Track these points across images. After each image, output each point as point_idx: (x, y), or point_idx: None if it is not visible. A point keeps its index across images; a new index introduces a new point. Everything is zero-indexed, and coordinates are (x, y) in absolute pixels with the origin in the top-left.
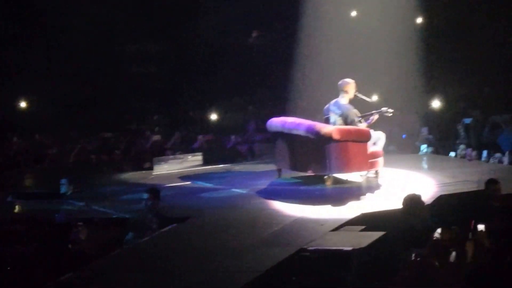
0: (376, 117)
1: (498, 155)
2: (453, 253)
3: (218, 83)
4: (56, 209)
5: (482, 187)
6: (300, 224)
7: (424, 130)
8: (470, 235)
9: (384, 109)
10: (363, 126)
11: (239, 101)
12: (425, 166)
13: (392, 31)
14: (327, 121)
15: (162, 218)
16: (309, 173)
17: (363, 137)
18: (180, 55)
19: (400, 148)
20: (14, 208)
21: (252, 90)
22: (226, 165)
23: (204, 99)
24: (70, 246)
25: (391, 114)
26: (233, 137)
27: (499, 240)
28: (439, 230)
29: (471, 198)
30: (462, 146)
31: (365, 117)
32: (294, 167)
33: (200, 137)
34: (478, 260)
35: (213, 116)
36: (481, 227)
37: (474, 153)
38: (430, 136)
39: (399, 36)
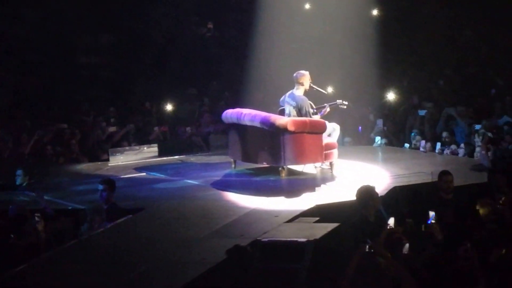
0: (328, 109)
1: (453, 147)
2: (406, 245)
3: (173, 74)
4: (10, 200)
5: (436, 179)
6: (254, 215)
7: (379, 122)
8: (423, 227)
9: (339, 101)
10: (316, 118)
11: (194, 92)
12: (379, 158)
13: (347, 23)
14: (282, 112)
15: (117, 209)
16: (264, 164)
17: (318, 129)
18: (134, 46)
19: (355, 140)
20: None
21: (207, 82)
22: (181, 156)
23: (159, 90)
24: (16, 238)
25: (346, 107)
26: (188, 128)
27: (450, 233)
28: (392, 222)
29: (424, 190)
30: (417, 137)
31: (320, 109)
32: (248, 159)
33: (155, 128)
34: (430, 253)
35: (169, 107)
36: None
37: (428, 145)
38: (385, 128)
39: (354, 28)
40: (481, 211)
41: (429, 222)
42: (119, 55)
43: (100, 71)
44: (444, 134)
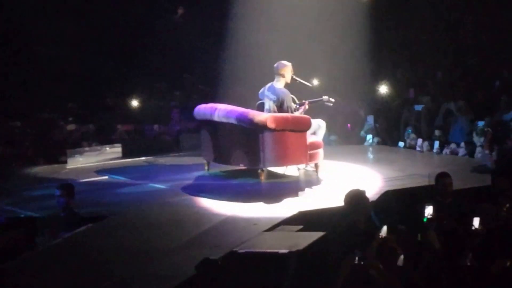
0: (306, 107)
1: (452, 146)
2: (401, 256)
3: (139, 66)
4: None
5: (433, 181)
6: (231, 223)
7: (370, 119)
8: (419, 236)
9: (325, 97)
10: (298, 114)
11: (163, 86)
12: (370, 158)
13: (336, 10)
14: (261, 107)
15: (76, 217)
16: (241, 166)
17: (302, 126)
18: (96, 34)
19: (343, 138)
20: None
21: (179, 74)
22: (148, 157)
23: (124, 84)
24: None
25: (332, 104)
26: (156, 126)
27: (449, 242)
28: (384, 230)
29: (420, 194)
30: (412, 136)
31: (303, 104)
32: (224, 160)
33: (119, 126)
34: (427, 263)
35: (134, 103)
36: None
37: (425, 144)
38: (377, 125)
39: (342, 15)
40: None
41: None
42: (79, 44)
43: (58, 62)
44: (437, 132)
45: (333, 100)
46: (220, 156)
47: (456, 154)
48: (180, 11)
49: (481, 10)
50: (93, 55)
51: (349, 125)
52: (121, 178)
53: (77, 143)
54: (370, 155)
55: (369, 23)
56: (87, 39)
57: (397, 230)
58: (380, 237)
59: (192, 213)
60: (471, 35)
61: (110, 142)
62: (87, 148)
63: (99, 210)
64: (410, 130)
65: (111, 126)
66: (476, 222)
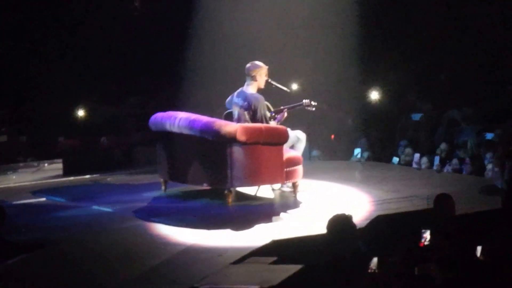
0: (285, 115)
1: (455, 162)
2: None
3: (86, 68)
4: None
5: (433, 205)
6: (191, 254)
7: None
8: (416, 269)
9: (305, 101)
10: (273, 124)
11: (114, 91)
12: (358, 176)
13: (320, 3)
14: (229, 118)
15: (8, 246)
16: (205, 186)
17: (278, 138)
18: (33, 30)
19: (327, 153)
20: None
21: (133, 76)
22: (95, 175)
23: (67, 89)
24: None
25: (314, 109)
26: (104, 138)
27: (452, 276)
28: (375, 263)
29: (418, 220)
30: (408, 150)
31: (280, 112)
32: (184, 179)
33: (61, 139)
34: None
35: (80, 112)
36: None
37: (423, 160)
38: (367, 137)
39: (327, 7)
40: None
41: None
42: (12, 43)
43: None
44: (443, 145)
45: (315, 103)
46: (180, 174)
47: (461, 172)
48: (137, 2)
49: (492, 2)
50: (30, 55)
51: (332, 136)
52: (61, 200)
53: (10, 158)
54: (358, 173)
55: (357, 15)
56: (21, 36)
57: (390, 262)
58: (370, 271)
59: (145, 241)
60: (481, 30)
61: (49, 157)
62: (21, 164)
63: (34, 238)
64: (404, 144)
65: (51, 138)
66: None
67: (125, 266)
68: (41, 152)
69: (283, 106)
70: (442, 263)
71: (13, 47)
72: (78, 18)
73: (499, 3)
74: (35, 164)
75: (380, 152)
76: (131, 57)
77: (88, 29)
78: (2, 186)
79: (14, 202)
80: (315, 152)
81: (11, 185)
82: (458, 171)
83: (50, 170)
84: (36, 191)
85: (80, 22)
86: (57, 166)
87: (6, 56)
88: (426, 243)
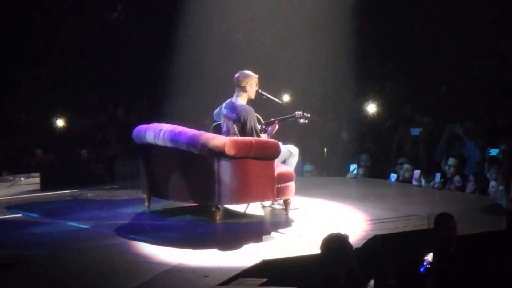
0: (276, 127)
1: (457, 179)
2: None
3: (63, 74)
4: None
5: (433, 225)
6: (176, 275)
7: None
8: None
9: (298, 113)
10: (264, 137)
11: (94, 100)
12: (354, 194)
13: (312, 7)
14: (217, 131)
15: None
16: (191, 203)
17: (269, 153)
18: (7, 37)
19: (320, 168)
20: None
21: (114, 85)
22: (74, 190)
23: (44, 98)
24: None
25: (307, 121)
26: (84, 151)
27: None
28: (371, 285)
29: (417, 240)
30: (406, 166)
31: (271, 124)
32: (169, 195)
33: (38, 151)
34: None
35: (58, 122)
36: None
37: (423, 176)
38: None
39: (321, 13)
40: None
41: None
42: None
43: None
44: (451, 161)
45: (308, 115)
46: (165, 190)
47: (463, 190)
48: (119, 7)
49: (498, 7)
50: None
51: (325, 149)
52: (38, 216)
53: None
54: (354, 190)
55: (355, 21)
56: None
57: (387, 285)
58: None
59: (126, 261)
60: (485, 38)
61: (25, 170)
62: None
63: (9, 256)
64: (402, 160)
65: (27, 150)
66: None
67: (105, 286)
68: (16, 165)
69: (274, 118)
70: None
71: None
72: (56, 24)
73: (504, 13)
74: (11, 178)
75: (377, 168)
76: (112, 65)
77: (67, 35)
78: None
79: None
80: (307, 167)
81: None
82: (461, 189)
83: (27, 185)
84: (12, 207)
85: (58, 28)
86: (34, 181)
87: None
88: (428, 266)
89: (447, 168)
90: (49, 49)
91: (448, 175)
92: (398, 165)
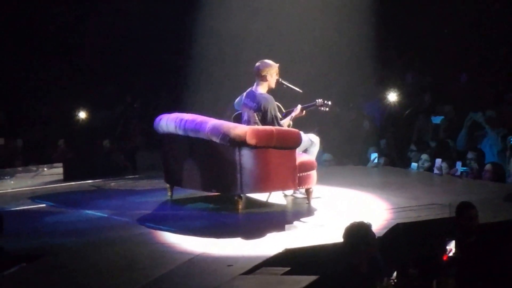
0: (303, 113)
1: (475, 167)
2: None
3: (85, 69)
4: None
5: (454, 213)
6: (200, 264)
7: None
8: (434, 283)
9: (319, 101)
10: (286, 123)
11: (114, 92)
12: (375, 183)
13: None
14: (238, 120)
15: (4, 256)
16: (213, 192)
17: (290, 142)
18: (26, 28)
19: (340, 157)
20: None
21: (135, 76)
22: (97, 181)
23: (66, 91)
24: None
25: (328, 109)
26: (106, 142)
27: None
28: (394, 275)
29: (439, 229)
30: (424, 157)
31: (292, 112)
32: (192, 185)
33: (60, 142)
34: None
35: (80, 114)
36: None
37: (444, 165)
38: (384, 141)
39: (341, 4)
40: None
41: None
42: (9, 44)
43: None
44: (470, 155)
45: (329, 103)
46: (187, 180)
47: (485, 178)
48: None
49: None
50: (24, 55)
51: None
52: (61, 207)
53: (7, 162)
54: (375, 179)
55: (375, 11)
56: (15, 34)
57: (408, 274)
58: (389, 282)
59: (150, 251)
60: (506, 25)
61: (49, 161)
62: (20, 169)
63: (34, 247)
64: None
65: (49, 142)
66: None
67: (129, 276)
68: (38, 157)
69: (295, 107)
70: (461, 278)
71: (9, 48)
72: (76, 18)
73: None
74: (34, 168)
75: (398, 157)
76: (132, 57)
77: (87, 28)
78: (0, 191)
79: (13, 209)
80: (327, 156)
81: (9, 190)
82: (480, 177)
83: (50, 175)
84: (36, 197)
85: (79, 22)
86: (57, 171)
87: (1, 57)
88: (450, 254)
89: (467, 162)
90: (71, 44)
91: (459, 164)
92: (420, 152)
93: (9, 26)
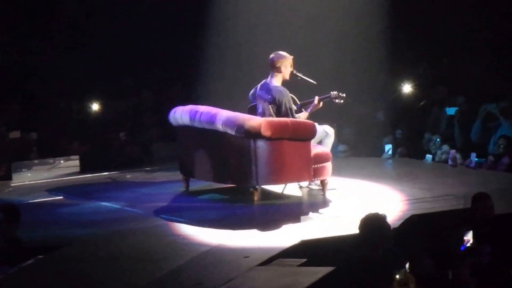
0: (316, 103)
1: (490, 158)
2: None
3: (96, 60)
4: None
5: (469, 204)
6: (215, 256)
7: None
8: (450, 273)
9: (333, 93)
10: (303, 116)
11: (128, 83)
12: (390, 174)
13: None
14: (253, 112)
15: (22, 248)
16: (229, 184)
17: (305, 133)
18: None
19: (355, 148)
20: None
21: (147, 69)
22: (113, 173)
23: (78, 82)
24: None
25: (343, 101)
26: (122, 134)
27: (488, 281)
28: (408, 266)
29: (454, 220)
30: (444, 148)
31: (307, 104)
32: (207, 176)
33: (75, 144)
34: None
35: (94, 106)
36: None
37: (459, 156)
38: (398, 132)
39: None
40: None
41: (462, 248)
42: (23, 37)
43: None
44: (501, 140)
45: (343, 95)
46: (202, 172)
47: (501, 169)
48: None
49: None
50: (38, 46)
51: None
52: (78, 199)
53: (24, 155)
54: (390, 171)
55: (386, 3)
56: (27, 25)
57: (422, 265)
58: (400, 276)
59: (166, 242)
60: None
61: (65, 153)
62: (36, 161)
63: (51, 238)
64: (438, 140)
65: (63, 135)
66: None
67: (146, 267)
68: (52, 149)
69: (310, 99)
70: (477, 269)
71: (23, 41)
72: (91, 9)
73: None
74: (51, 161)
75: (412, 149)
76: (145, 48)
77: (99, 20)
78: (16, 184)
79: (29, 201)
80: (342, 148)
81: (26, 182)
82: (495, 168)
83: (67, 168)
84: (52, 189)
85: (93, 13)
86: (74, 163)
87: (16, 50)
88: (468, 245)
89: (495, 147)
90: (84, 35)
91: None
92: (433, 143)
93: (24, 18)
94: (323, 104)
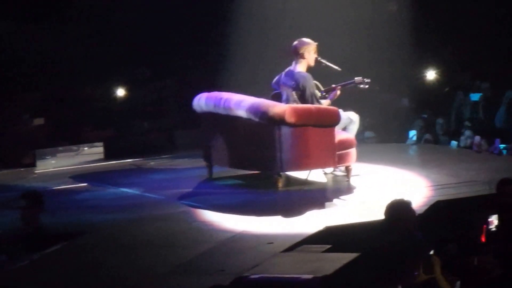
0: (338, 93)
1: None
2: (457, 283)
3: (117, 47)
4: None
5: (494, 190)
6: (240, 242)
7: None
8: (475, 259)
9: (357, 79)
10: (325, 103)
11: (150, 71)
12: (415, 160)
13: None
14: (277, 97)
15: (46, 234)
16: (253, 171)
17: (329, 120)
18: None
19: (381, 135)
20: None
21: (170, 56)
22: (136, 160)
23: (99, 69)
24: None
25: (367, 86)
26: (145, 122)
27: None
28: (433, 252)
29: (478, 206)
30: (468, 133)
31: (331, 90)
32: (231, 163)
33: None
34: None
35: (120, 92)
36: None
37: (483, 142)
38: (424, 117)
39: None
40: None
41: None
42: (39, 20)
43: (13, 41)
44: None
45: (368, 80)
46: (226, 158)
47: None
48: None
49: None
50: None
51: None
52: (103, 186)
53: (47, 142)
54: (415, 157)
55: None
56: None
57: (447, 251)
58: (435, 260)
59: (191, 229)
60: None
61: (89, 140)
62: (60, 148)
63: (75, 225)
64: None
65: (85, 123)
66: None
67: (170, 253)
68: (79, 136)
69: (334, 84)
70: (501, 256)
71: (45, 29)
72: None
73: None
74: (75, 148)
75: (436, 134)
76: (169, 35)
77: (123, 8)
78: (40, 170)
79: (53, 188)
80: (368, 134)
81: (50, 169)
82: None
83: (91, 154)
84: (76, 176)
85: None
86: (98, 150)
87: (37, 38)
88: (493, 229)
89: None
90: (107, 24)
91: (497, 141)
92: (459, 129)
93: (45, 7)
94: (348, 90)
